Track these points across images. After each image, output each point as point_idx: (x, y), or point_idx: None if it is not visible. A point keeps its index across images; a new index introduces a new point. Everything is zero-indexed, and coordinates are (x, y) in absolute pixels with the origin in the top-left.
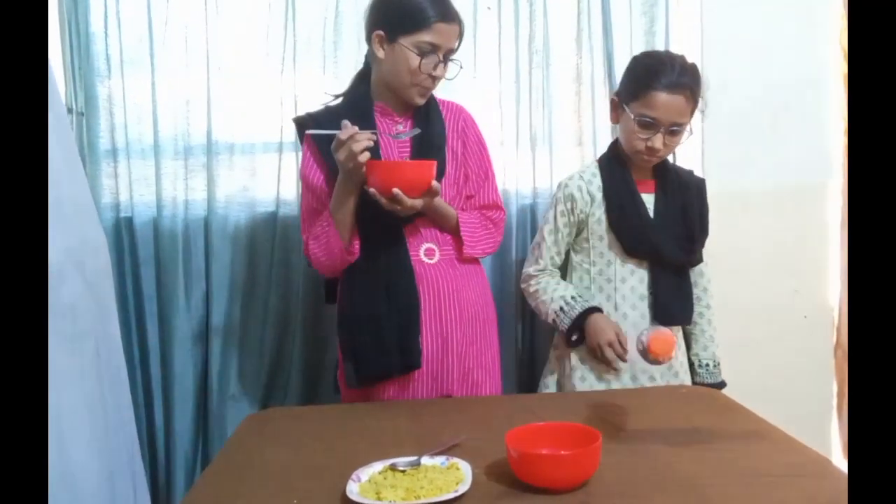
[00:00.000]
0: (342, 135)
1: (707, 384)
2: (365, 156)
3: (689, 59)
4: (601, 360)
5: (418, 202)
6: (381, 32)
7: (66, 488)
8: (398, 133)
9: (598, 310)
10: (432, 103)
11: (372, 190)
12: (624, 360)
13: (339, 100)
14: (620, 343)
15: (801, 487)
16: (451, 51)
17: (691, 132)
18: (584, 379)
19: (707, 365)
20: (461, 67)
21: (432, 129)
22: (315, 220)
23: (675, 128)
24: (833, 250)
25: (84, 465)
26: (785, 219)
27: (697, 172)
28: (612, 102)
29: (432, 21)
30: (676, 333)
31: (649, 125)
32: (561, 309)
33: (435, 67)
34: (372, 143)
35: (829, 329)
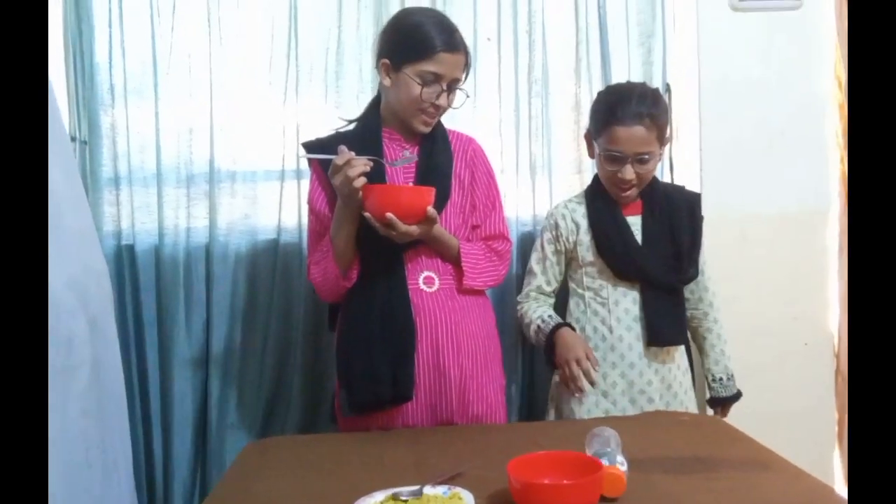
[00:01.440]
0: (338, 160)
1: (723, 398)
2: (360, 181)
3: (651, 87)
4: (567, 378)
5: (414, 229)
6: (386, 61)
7: None
8: (394, 161)
9: (568, 326)
10: (440, 132)
11: (367, 214)
12: (591, 380)
13: (352, 126)
14: (589, 359)
15: None
16: (456, 80)
17: (660, 156)
18: (582, 402)
19: (721, 379)
20: (468, 97)
21: (437, 156)
22: (318, 245)
23: (642, 156)
24: (832, 276)
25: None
26: (783, 245)
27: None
28: (586, 139)
29: (436, 51)
30: (676, 351)
31: (616, 159)
32: (539, 328)
33: (438, 97)
34: (368, 169)
35: (830, 356)
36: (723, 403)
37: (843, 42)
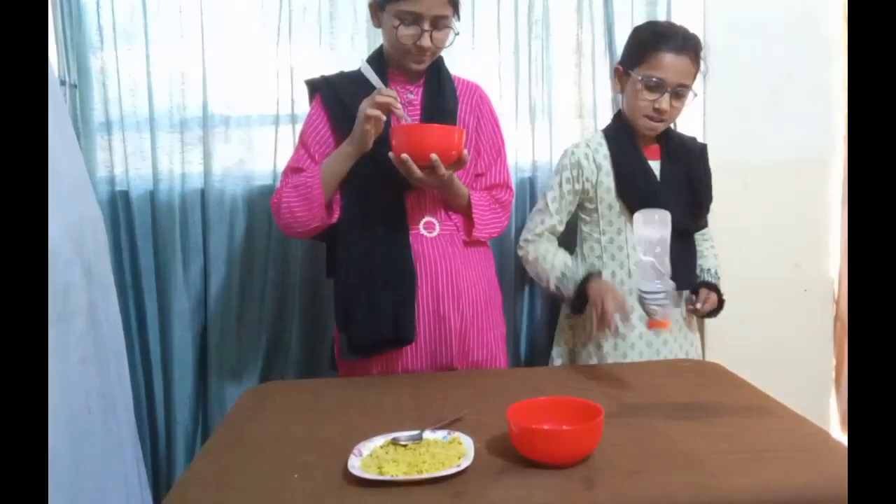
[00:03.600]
0: (379, 92)
1: (714, 285)
2: (378, 113)
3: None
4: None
5: (449, 172)
6: (373, 1)
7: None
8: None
9: (598, 275)
10: (445, 75)
11: (404, 156)
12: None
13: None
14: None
15: (802, 461)
16: (440, 18)
17: (695, 95)
18: (600, 345)
19: (713, 272)
20: (456, 34)
21: (443, 99)
22: (296, 175)
23: (680, 89)
24: (834, 223)
25: (53, 447)
26: (786, 192)
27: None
28: (616, 72)
29: None
30: (677, 309)
31: (656, 86)
32: (563, 274)
33: (420, 38)
34: (399, 106)
35: (829, 302)
36: (711, 289)
37: None
